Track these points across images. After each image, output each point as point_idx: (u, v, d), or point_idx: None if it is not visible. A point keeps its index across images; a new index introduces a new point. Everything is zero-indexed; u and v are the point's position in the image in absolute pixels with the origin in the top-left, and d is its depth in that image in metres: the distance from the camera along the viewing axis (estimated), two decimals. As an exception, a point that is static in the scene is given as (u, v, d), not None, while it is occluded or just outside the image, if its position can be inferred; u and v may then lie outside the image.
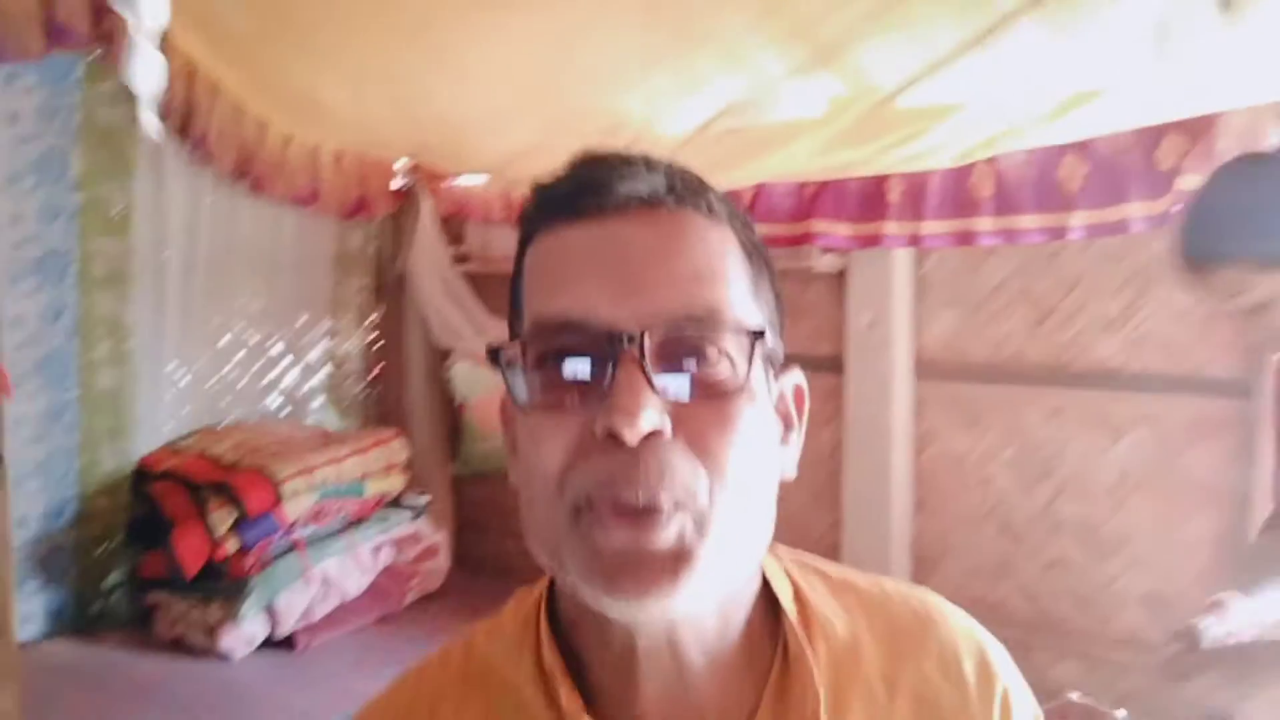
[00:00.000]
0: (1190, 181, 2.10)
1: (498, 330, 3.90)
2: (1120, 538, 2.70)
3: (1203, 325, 2.55)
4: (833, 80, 2.08)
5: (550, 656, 0.69)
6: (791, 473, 0.71)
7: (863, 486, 2.96)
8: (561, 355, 0.62)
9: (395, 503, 3.64)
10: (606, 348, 0.60)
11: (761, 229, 2.56)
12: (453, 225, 4.00)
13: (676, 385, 0.61)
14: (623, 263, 0.62)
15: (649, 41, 2.05)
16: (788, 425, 0.71)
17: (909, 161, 2.23)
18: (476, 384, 3.95)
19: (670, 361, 0.61)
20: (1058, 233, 2.39)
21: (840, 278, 3.04)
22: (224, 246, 3.57)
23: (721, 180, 2.60)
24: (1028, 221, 2.43)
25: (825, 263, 2.94)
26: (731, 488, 0.61)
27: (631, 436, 0.58)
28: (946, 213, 2.55)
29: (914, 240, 2.63)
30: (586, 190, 0.64)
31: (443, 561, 3.72)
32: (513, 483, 0.68)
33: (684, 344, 0.61)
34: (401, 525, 3.57)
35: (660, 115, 2.34)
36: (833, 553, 3.04)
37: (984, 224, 2.49)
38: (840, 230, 2.72)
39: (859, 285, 2.98)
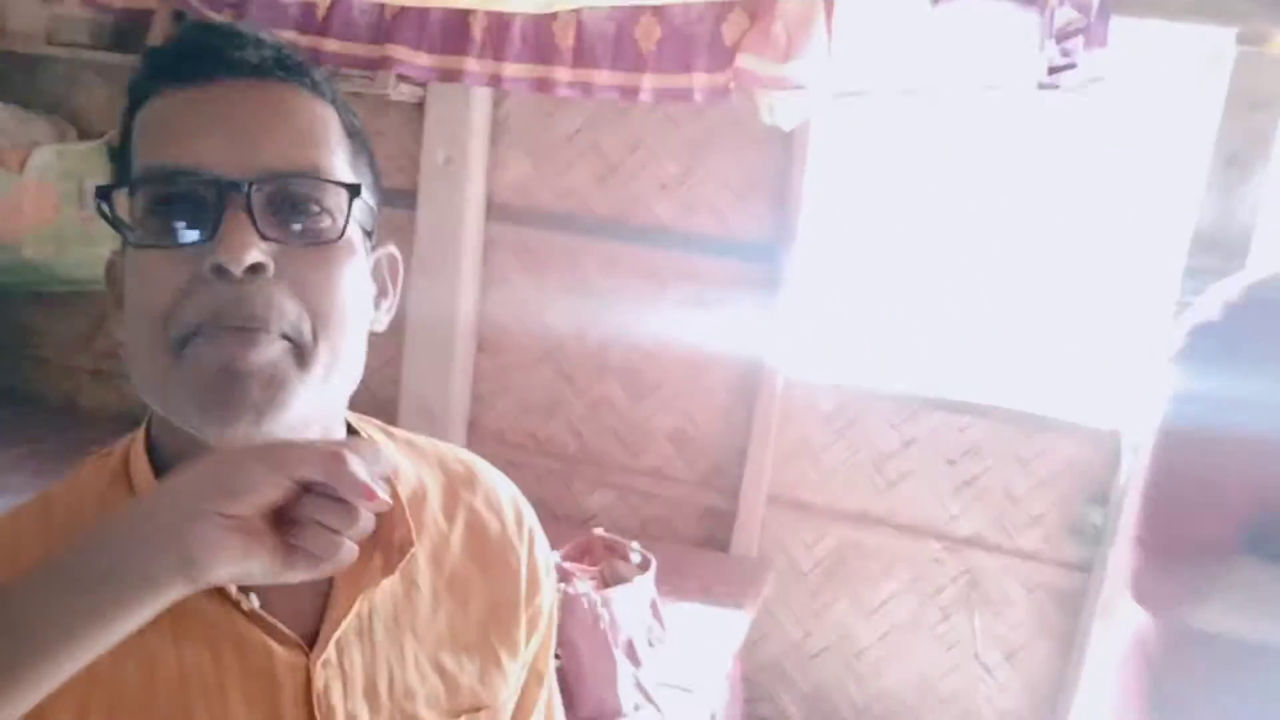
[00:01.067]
0: (747, 60, 2.26)
1: (9, 121, 3.34)
2: (656, 381, 2.98)
3: (742, 195, 2.82)
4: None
5: (147, 490, 0.73)
6: (381, 328, 0.80)
7: (427, 323, 2.97)
8: (171, 201, 0.67)
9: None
10: (216, 195, 0.66)
11: (337, 46, 2.37)
12: (-45, -13, 3.32)
13: (280, 232, 0.68)
14: (232, 120, 0.68)
15: None
16: (382, 291, 0.81)
17: (495, 3, 2.17)
18: (-15, 182, 3.37)
19: (275, 211, 0.68)
20: (630, 93, 2.47)
21: (418, 109, 2.95)
22: None
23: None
24: (603, 77, 2.48)
25: (402, 92, 2.83)
26: (331, 327, 0.69)
27: (236, 269, 0.64)
28: (528, 57, 2.54)
29: (494, 80, 2.59)
30: (198, 56, 0.69)
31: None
32: (119, 337, 0.73)
33: (288, 196, 0.69)
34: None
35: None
36: (392, 386, 3.06)
37: (563, 74, 2.52)
38: (421, 60, 2.61)
39: (437, 120, 2.91)
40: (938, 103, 2.40)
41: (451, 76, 2.60)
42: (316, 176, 0.70)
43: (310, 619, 0.75)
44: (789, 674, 2.97)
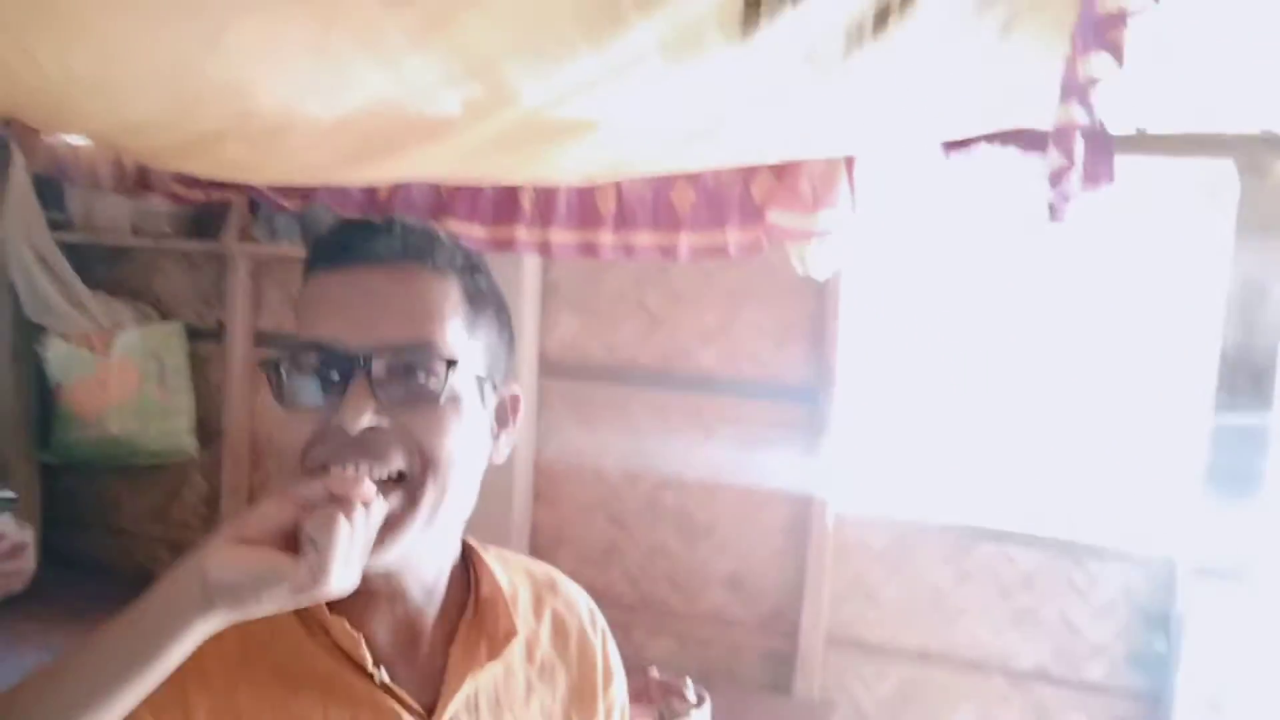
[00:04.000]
0: (776, 215, 2.42)
1: (97, 307, 3.60)
2: (710, 525, 3.04)
3: (781, 341, 2.95)
4: (475, 86, 2.15)
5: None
6: (501, 459, 0.96)
7: (486, 477, 3.08)
8: (312, 369, 0.83)
9: (-29, 496, 3.26)
10: (345, 366, 0.82)
11: (397, 223, 2.53)
12: (51, 187, 3.64)
13: (393, 394, 0.82)
14: (361, 304, 0.84)
15: (293, 28, 2.01)
16: (502, 425, 0.95)
17: (538, 176, 2.36)
18: (74, 365, 3.61)
19: (392, 377, 0.82)
20: (669, 251, 2.63)
21: (473, 277, 3.16)
22: None
23: (357, 177, 2.58)
24: (644, 239, 2.65)
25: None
26: (438, 470, 0.84)
27: (352, 430, 0.80)
28: (573, 223, 2.72)
29: (543, 247, 2.77)
30: (342, 248, 0.86)
31: (29, 560, 3.38)
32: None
33: (401, 365, 0.83)
34: (-22, 520, 3.20)
35: (300, 101, 2.29)
36: (454, 542, 3.14)
37: (606, 238, 2.69)
38: (475, 232, 2.80)
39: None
40: (956, 243, 2.53)
41: (504, 245, 2.79)
42: (426, 349, 0.83)
43: (429, 695, 0.90)
44: (860, 822, 2.91)
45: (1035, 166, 2.04)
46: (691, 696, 2.15)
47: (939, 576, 2.82)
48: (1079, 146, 1.91)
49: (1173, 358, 2.57)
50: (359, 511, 0.74)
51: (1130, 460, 2.68)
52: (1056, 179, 1.96)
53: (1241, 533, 2.33)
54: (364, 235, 0.86)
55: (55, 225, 3.64)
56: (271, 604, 0.72)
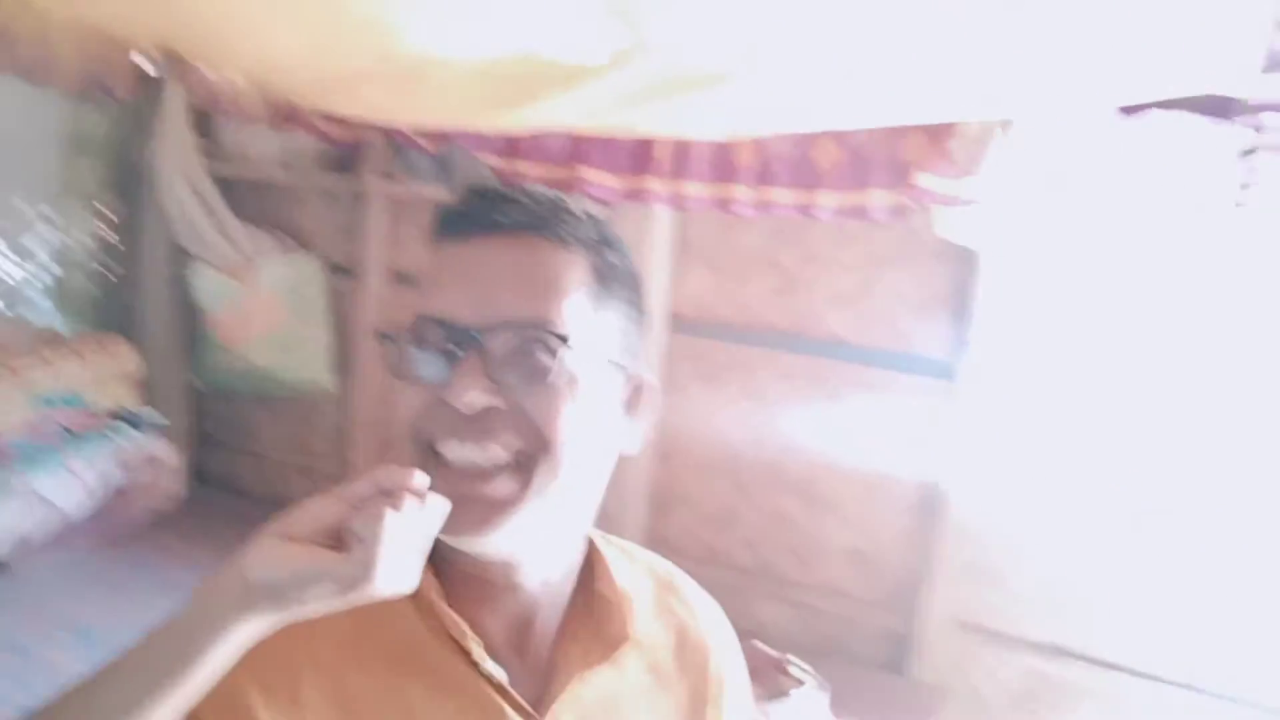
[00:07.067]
0: (924, 179, 2.28)
1: (247, 240, 3.70)
2: (833, 496, 2.95)
3: (920, 311, 2.80)
4: (620, 32, 2.08)
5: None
6: (632, 449, 0.92)
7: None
8: (430, 342, 0.82)
9: (125, 417, 3.42)
10: (460, 342, 0.79)
11: (528, 168, 2.51)
12: (205, 119, 3.75)
13: (508, 373, 0.80)
14: (480, 277, 0.82)
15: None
16: (632, 413, 0.91)
17: (678, 130, 2.29)
18: (222, 294, 3.74)
19: (506, 355, 0.79)
20: (807, 209, 2.53)
21: (604, 227, 3.11)
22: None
23: (493, 123, 2.53)
24: (781, 195, 2.55)
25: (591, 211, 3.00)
26: (550, 453, 0.80)
27: (464, 410, 0.79)
28: (708, 176, 2.64)
29: (677, 200, 2.70)
30: (465, 218, 0.84)
31: (178, 481, 3.54)
32: None
33: (516, 343, 0.80)
34: (132, 441, 3.36)
35: (440, 45, 2.27)
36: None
37: (742, 193, 2.60)
38: (608, 182, 2.76)
39: (622, 237, 3.05)
40: (1124, 219, 2.33)
41: (636, 196, 2.73)
42: (542, 326, 0.80)
43: (538, 693, 0.87)
44: (971, 811, 2.81)
45: (1222, 139, 1.86)
46: (795, 673, 2.08)
47: (1072, 568, 2.67)
48: (1276, 124, 1.72)
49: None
50: (410, 504, 0.69)
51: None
52: (1247, 156, 1.78)
53: None
54: (488, 204, 0.83)
55: (208, 156, 3.75)
56: (316, 603, 0.68)
